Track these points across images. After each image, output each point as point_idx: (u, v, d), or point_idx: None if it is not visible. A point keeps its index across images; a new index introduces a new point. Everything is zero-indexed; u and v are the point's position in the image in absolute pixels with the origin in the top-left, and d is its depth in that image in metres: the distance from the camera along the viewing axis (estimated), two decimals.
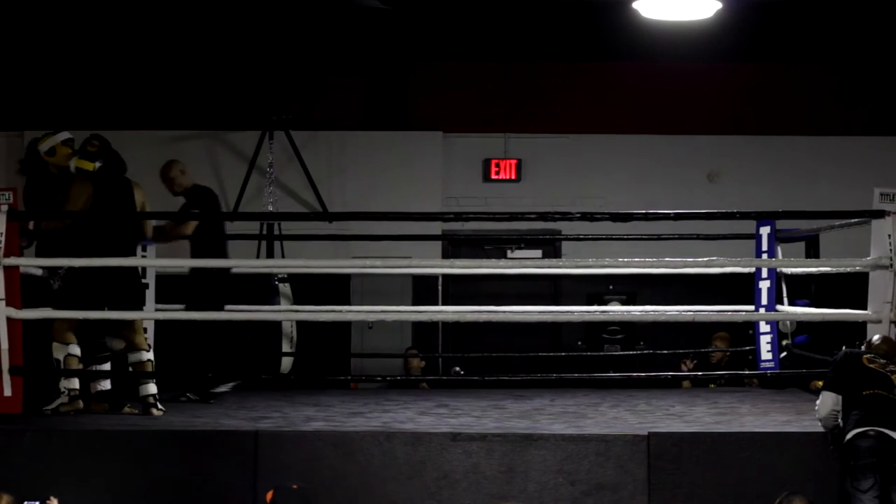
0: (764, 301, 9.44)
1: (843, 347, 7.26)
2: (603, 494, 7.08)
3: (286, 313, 10.73)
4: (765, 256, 9.44)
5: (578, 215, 8.49)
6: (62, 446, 7.26)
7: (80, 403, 8.21)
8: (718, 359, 11.15)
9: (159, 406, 8.32)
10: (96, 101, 13.02)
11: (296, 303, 11.03)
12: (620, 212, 9.82)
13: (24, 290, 7.92)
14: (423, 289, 12.76)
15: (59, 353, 8.18)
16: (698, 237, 10.25)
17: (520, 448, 7.17)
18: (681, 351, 11.36)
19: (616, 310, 12.16)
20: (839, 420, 6.87)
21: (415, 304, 12.49)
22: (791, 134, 13.33)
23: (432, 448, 7.19)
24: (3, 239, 7.71)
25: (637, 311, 10.65)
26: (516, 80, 13.42)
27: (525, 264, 12.79)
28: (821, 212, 10.16)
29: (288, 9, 12.19)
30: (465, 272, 12.64)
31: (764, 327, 9.58)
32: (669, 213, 8.65)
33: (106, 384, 8.52)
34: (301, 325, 11.02)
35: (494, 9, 12.17)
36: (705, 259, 8.88)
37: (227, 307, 9.38)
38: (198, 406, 8.78)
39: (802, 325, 9.92)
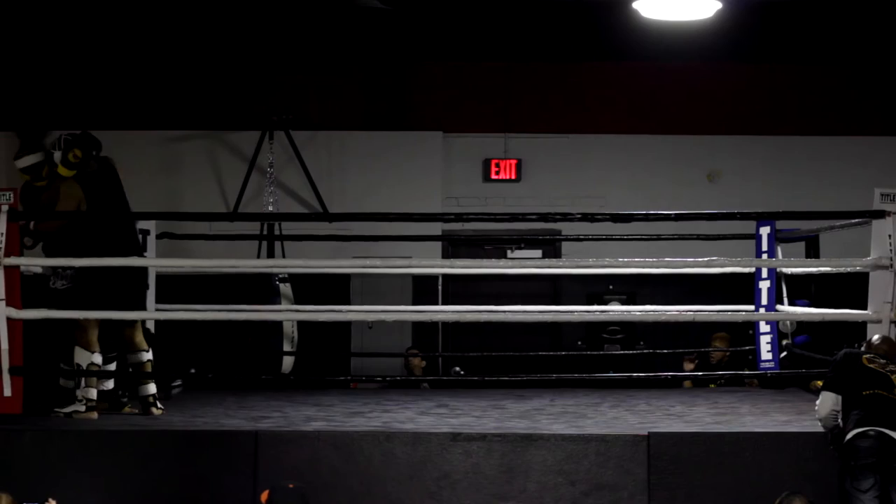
0: (764, 301, 9.46)
1: (843, 347, 7.24)
2: (603, 494, 7.09)
3: (287, 313, 10.74)
4: (765, 256, 9.46)
5: (579, 216, 8.51)
6: (62, 446, 7.26)
7: (96, 415, 8.02)
8: (718, 359, 11.16)
9: (159, 405, 8.31)
10: (96, 101, 13.00)
11: (296, 303, 11.04)
12: (621, 212, 9.83)
13: (24, 290, 7.90)
14: (423, 289, 12.75)
15: (82, 358, 8.03)
16: (698, 237, 10.26)
17: (520, 448, 7.18)
18: (681, 351, 11.37)
19: (616, 310, 12.16)
20: (839, 420, 6.87)
21: (415, 304, 12.48)
22: (791, 134, 13.31)
23: (432, 448, 7.19)
24: (3, 239, 7.69)
25: (637, 311, 10.64)
26: (516, 80, 13.41)
27: (525, 264, 12.76)
28: (821, 212, 10.18)
29: (288, 9, 12.18)
30: (465, 272, 12.62)
31: (764, 327, 9.60)
32: (669, 214, 8.64)
33: (108, 384, 8.48)
34: (301, 325, 11.02)
35: (494, 9, 12.16)
36: (705, 259, 8.88)
37: (226, 307, 9.35)
38: (198, 406, 8.77)
39: (802, 325, 9.91)
